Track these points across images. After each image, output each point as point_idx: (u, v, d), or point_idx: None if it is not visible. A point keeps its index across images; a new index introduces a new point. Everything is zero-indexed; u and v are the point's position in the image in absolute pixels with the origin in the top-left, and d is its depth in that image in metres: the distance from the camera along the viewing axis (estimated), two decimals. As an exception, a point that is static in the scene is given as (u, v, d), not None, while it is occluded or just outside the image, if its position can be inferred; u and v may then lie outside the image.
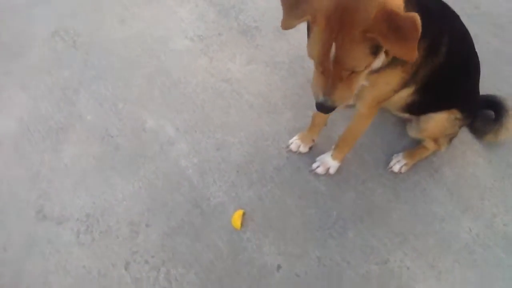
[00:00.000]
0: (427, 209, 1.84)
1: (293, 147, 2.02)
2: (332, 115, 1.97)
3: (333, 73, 1.22)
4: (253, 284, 1.68)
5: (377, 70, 1.37)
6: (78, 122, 2.18)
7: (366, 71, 1.28)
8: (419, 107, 1.71)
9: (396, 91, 1.51)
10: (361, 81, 1.32)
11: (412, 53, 1.10)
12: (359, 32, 1.11)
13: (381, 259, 1.72)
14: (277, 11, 2.56)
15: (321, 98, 1.30)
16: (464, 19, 2.56)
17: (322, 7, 1.14)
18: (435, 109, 1.74)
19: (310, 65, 2.32)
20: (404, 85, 1.49)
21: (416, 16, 1.07)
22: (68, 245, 1.79)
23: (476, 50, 2.38)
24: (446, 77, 1.54)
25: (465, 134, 2.06)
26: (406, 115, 1.86)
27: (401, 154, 1.96)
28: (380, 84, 1.47)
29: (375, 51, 1.16)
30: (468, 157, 2.00)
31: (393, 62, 1.36)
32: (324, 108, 1.32)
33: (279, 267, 1.71)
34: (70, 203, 1.91)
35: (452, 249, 1.74)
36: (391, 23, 1.07)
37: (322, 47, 1.17)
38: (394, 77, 1.43)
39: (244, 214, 1.83)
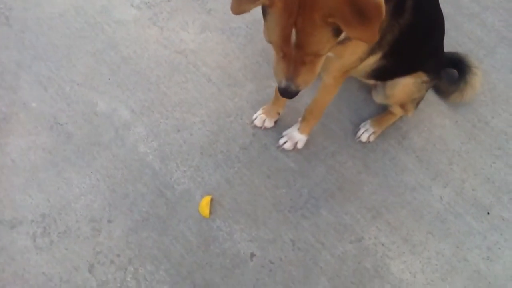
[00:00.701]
0: (397, 179, 1.82)
1: (257, 122, 1.93)
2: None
3: (294, 58, 1.17)
4: (226, 275, 1.63)
5: (342, 42, 1.28)
6: (22, 110, 1.99)
7: (327, 53, 1.23)
8: (386, 72, 1.65)
9: (362, 59, 1.45)
10: (324, 61, 1.27)
11: (373, 36, 1.05)
12: (320, 16, 1.04)
13: (355, 237, 1.70)
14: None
15: (284, 83, 1.25)
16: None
17: None
18: (402, 73, 1.68)
19: (268, 30, 2.19)
20: (371, 52, 1.43)
21: (380, 0, 1.00)
22: (24, 251, 1.66)
23: (437, 3, 2.31)
24: (412, 38, 1.47)
25: (430, 96, 2.01)
26: (372, 81, 1.79)
27: (368, 122, 1.91)
28: (346, 55, 1.40)
29: (337, 33, 1.11)
30: (435, 120, 1.97)
31: None
32: (288, 93, 1.27)
33: (252, 255, 1.67)
34: (22, 204, 1.77)
35: (425, 220, 1.73)
36: (353, 7, 1.00)
37: (281, 31, 1.10)
38: (360, 46, 1.37)
39: (212, 200, 1.75)
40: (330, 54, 1.35)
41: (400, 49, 1.46)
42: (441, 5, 2.29)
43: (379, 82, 1.80)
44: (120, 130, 1.94)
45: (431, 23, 1.59)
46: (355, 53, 1.38)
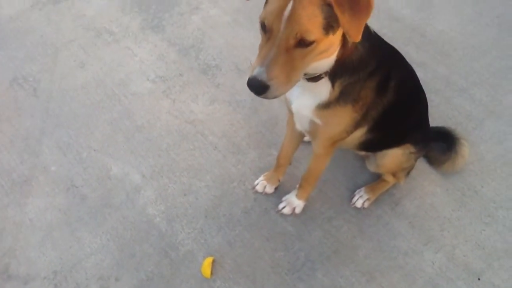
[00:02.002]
0: (391, 244, 1.91)
1: (259, 188, 2.06)
2: (297, 153, 2.02)
3: (279, 40, 1.12)
4: (225, 334, 1.69)
5: (327, 106, 1.41)
6: (42, 173, 2.16)
7: (312, 53, 1.18)
8: (373, 145, 1.76)
9: (348, 132, 1.54)
10: (305, 64, 1.20)
11: (358, 32, 1.12)
12: None
13: (349, 300, 1.77)
14: (233, 48, 2.64)
15: (256, 70, 1.13)
16: (412, 49, 2.70)
17: None
18: (389, 145, 1.80)
19: (270, 102, 2.37)
20: (357, 125, 1.53)
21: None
22: (36, 307, 1.77)
23: (425, 78, 2.50)
24: (396, 114, 1.59)
25: (422, 165, 2.14)
26: (362, 153, 1.93)
27: (363, 189, 2.02)
28: (332, 124, 1.50)
29: (327, 26, 1.13)
30: (426, 188, 2.08)
31: (342, 98, 1.40)
32: (255, 83, 1.13)
33: (250, 315, 1.74)
34: (36, 260, 1.89)
35: (417, 285, 1.80)
36: None
37: (279, 3, 1.12)
38: (345, 116, 1.46)
39: (213, 261, 1.85)
40: (317, 120, 1.47)
41: (385, 124, 1.58)
42: (431, 81, 2.50)
43: (370, 153, 1.94)
44: (131, 194, 2.08)
45: (413, 101, 1.73)
46: (340, 124, 1.48)
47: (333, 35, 1.17)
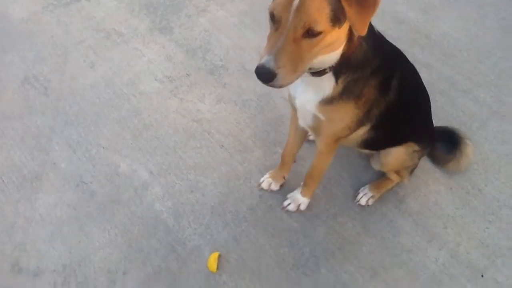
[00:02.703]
0: (394, 241, 1.93)
1: (264, 185, 2.09)
2: (302, 151, 2.05)
3: (288, 29, 1.15)
4: (231, 327, 1.72)
5: (330, 102, 1.44)
6: (52, 170, 2.21)
7: (320, 45, 1.20)
8: (376, 143, 1.79)
9: (351, 129, 1.56)
10: (312, 55, 1.23)
11: (364, 26, 1.16)
12: None
13: (353, 295, 1.79)
14: (240, 49, 2.68)
15: (264, 58, 1.15)
16: (417, 50, 2.73)
17: None
18: (392, 143, 1.83)
19: (276, 101, 2.41)
20: (359, 123, 1.55)
21: None
22: (45, 299, 1.80)
23: (430, 79, 2.53)
24: (399, 113, 1.62)
25: (426, 163, 2.16)
26: (366, 151, 1.95)
27: (367, 187, 2.05)
28: (335, 120, 1.52)
29: (334, 18, 1.16)
30: (430, 186, 2.10)
31: (345, 94, 1.42)
32: (263, 70, 1.15)
33: (255, 308, 1.77)
34: (46, 254, 1.93)
35: (421, 281, 1.82)
36: None
37: None
38: (348, 112, 1.48)
39: (219, 256, 1.88)
40: (320, 115, 1.50)
41: (387, 122, 1.61)
42: (436, 81, 2.52)
43: (374, 151, 1.96)
44: (139, 190, 2.12)
45: (415, 100, 1.75)
46: (343, 120, 1.50)
47: (339, 28, 1.20)
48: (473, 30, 2.88)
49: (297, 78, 1.24)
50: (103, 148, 2.28)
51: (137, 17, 2.89)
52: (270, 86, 1.21)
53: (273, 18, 1.19)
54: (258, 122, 2.36)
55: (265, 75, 1.16)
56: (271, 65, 1.14)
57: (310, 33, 1.16)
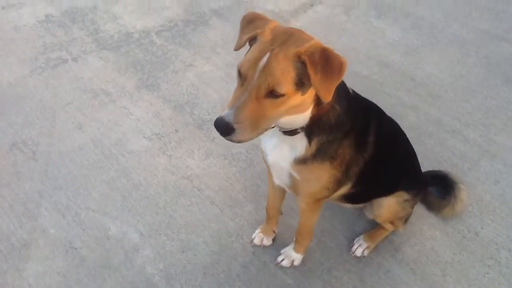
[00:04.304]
0: (393, 293, 1.87)
1: (256, 241, 2.05)
2: (291, 202, 2.02)
3: (252, 87, 1.17)
4: None
5: (304, 162, 1.43)
6: (41, 236, 2.16)
7: (283, 106, 1.21)
8: (361, 197, 1.78)
9: (330, 189, 1.53)
10: (274, 115, 1.22)
11: (328, 93, 1.17)
12: (294, 51, 1.17)
13: None
14: (227, 102, 2.68)
15: (225, 112, 1.16)
16: (403, 93, 2.76)
17: (273, 27, 1.25)
18: (379, 195, 1.80)
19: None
20: (338, 183, 1.53)
21: (345, 61, 1.18)
22: None
23: (418, 122, 2.54)
24: (380, 166, 1.60)
25: (420, 209, 2.13)
26: (351, 205, 1.92)
27: (361, 237, 2.01)
28: (311, 180, 1.50)
29: (298, 83, 1.18)
30: (426, 232, 2.07)
31: (319, 155, 1.41)
32: (221, 123, 1.16)
33: None
34: (34, 328, 1.86)
35: (421, 335, 1.76)
36: (323, 55, 1.16)
37: (257, 53, 1.19)
38: (323, 173, 1.47)
39: (213, 320, 1.82)
40: (295, 174, 1.48)
41: (369, 177, 1.58)
42: (424, 124, 2.53)
43: (361, 204, 1.93)
44: (130, 253, 2.07)
45: (396, 150, 1.73)
46: (319, 180, 1.48)
47: (302, 94, 1.22)
48: (457, 69, 2.92)
49: (257, 135, 1.24)
50: (93, 211, 2.25)
51: (124, 75, 2.93)
52: (228, 140, 1.21)
53: (240, 74, 1.21)
54: (248, 176, 2.35)
55: (223, 127, 1.17)
56: (230, 119, 1.15)
57: (273, 94, 1.17)
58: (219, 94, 2.76)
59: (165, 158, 2.45)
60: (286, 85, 1.17)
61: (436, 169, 2.21)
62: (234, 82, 2.82)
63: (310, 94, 1.25)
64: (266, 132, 1.28)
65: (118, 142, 2.54)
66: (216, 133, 2.53)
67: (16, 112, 2.73)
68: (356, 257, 1.99)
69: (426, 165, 2.27)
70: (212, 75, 2.89)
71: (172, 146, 2.51)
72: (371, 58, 2.99)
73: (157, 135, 2.57)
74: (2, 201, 2.30)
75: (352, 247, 2.01)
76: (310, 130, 1.36)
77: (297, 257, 1.94)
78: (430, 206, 2.12)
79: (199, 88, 2.81)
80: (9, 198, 2.32)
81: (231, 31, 3.29)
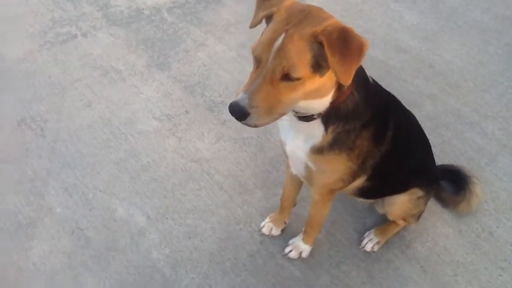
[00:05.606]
0: (402, 291, 1.84)
1: (265, 230, 2.01)
2: (304, 192, 1.97)
3: (266, 70, 1.12)
4: None
5: (321, 151, 1.38)
6: (48, 215, 2.15)
7: (299, 90, 1.15)
8: (374, 192, 1.72)
9: (345, 181, 1.49)
10: (291, 99, 1.17)
11: (348, 76, 1.11)
12: (310, 31, 1.11)
13: None
14: (239, 84, 2.63)
15: (239, 96, 1.12)
16: (421, 81, 2.66)
17: (289, 5, 1.18)
18: (392, 192, 1.75)
19: (277, 139, 2.34)
20: (354, 176, 1.48)
21: (366, 42, 1.10)
22: None
23: (436, 111, 2.46)
24: (396, 161, 1.55)
25: (434, 205, 2.07)
26: (364, 200, 1.87)
27: (372, 232, 1.96)
28: (326, 172, 1.46)
29: (315, 65, 1.12)
30: (439, 229, 2.02)
31: (336, 145, 1.36)
32: (236, 108, 1.12)
33: None
34: (39, 309, 1.86)
35: (429, 335, 1.73)
36: (341, 35, 1.09)
37: (271, 35, 1.13)
38: (340, 165, 1.42)
39: (218, 309, 1.80)
40: (311, 165, 1.44)
41: (384, 172, 1.53)
42: (442, 114, 2.44)
43: (373, 200, 1.88)
44: (136, 236, 2.05)
45: (413, 146, 1.67)
46: (335, 171, 1.44)
47: (320, 76, 1.14)
48: (477, 57, 2.82)
49: (274, 120, 1.19)
50: (100, 191, 2.22)
51: (135, 53, 2.86)
52: (244, 124, 1.16)
53: (255, 54, 1.16)
54: (259, 162, 2.30)
55: (238, 112, 1.13)
56: (245, 103, 1.11)
57: (289, 77, 1.12)
58: (231, 75, 2.69)
59: (175, 140, 2.41)
60: (301, 68, 1.10)
61: (451, 162, 2.14)
62: (246, 63, 2.75)
63: (330, 78, 1.18)
64: (284, 117, 1.23)
65: (128, 121, 2.50)
66: (227, 116, 2.50)
67: (25, 88, 2.69)
68: (365, 252, 1.94)
69: (441, 158, 2.21)
70: (224, 56, 2.81)
71: (182, 128, 2.46)
72: (388, 43, 2.89)
73: (167, 116, 2.52)
74: (10, 178, 2.28)
75: (362, 241, 1.96)
76: (327, 117, 1.30)
77: (305, 249, 1.91)
78: (445, 202, 2.06)
79: (211, 69, 2.74)
80: (17, 175, 2.29)
81: (245, 9, 3.19)
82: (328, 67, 1.13)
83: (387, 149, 1.46)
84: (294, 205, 2.01)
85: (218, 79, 2.68)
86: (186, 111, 2.54)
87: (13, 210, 2.17)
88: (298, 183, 1.85)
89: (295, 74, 1.11)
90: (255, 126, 1.17)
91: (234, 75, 2.69)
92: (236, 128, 2.43)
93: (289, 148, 1.48)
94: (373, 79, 1.40)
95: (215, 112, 2.53)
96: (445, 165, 2.06)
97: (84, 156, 2.36)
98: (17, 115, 2.55)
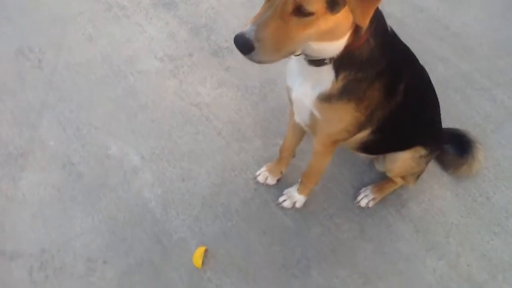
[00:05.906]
0: (392, 247, 1.82)
1: (260, 178, 1.98)
2: (303, 144, 1.92)
3: (277, 1, 1.04)
4: (211, 328, 1.64)
5: (329, 99, 1.32)
6: (40, 148, 2.11)
7: (311, 28, 1.08)
8: (377, 147, 1.66)
9: (350, 132, 1.44)
10: (302, 37, 1.10)
11: (366, 15, 1.03)
12: None
13: (343, 302, 1.69)
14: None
15: (247, 27, 1.05)
16: (435, 42, 2.57)
17: None
18: (395, 148, 1.70)
19: (281, 89, 2.28)
20: (360, 127, 1.43)
21: None
22: (19, 283, 1.72)
23: (446, 74, 2.38)
24: (404, 117, 1.49)
25: (433, 167, 2.03)
26: (365, 155, 1.82)
27: (369, 188, 1.93)
28: (332, 121, 1.40)
29: (331, 2, 1.04)
30: (436, 191, 1.98)
31: (345, 94, 1.30)
32: (241, 40, 1.05)
33: (239, 310, 1.68)
34: (25, 237, 1.84)
35: (416, 292, 1.72)
36: None
37: None
38: (347, 115, 1.36)
39: (206, 251, 1.78)
40: (316, 113, 1.38)
41: (390, 127, 1.47)
42: (452, 77, 2.37)
43: (374, 155, 1.83)
44: (128, 174, 2.02)
45: (423, 103, 1.61)
46: (341, 121, 1.38)
47: (336, 13, 1.05)
48: (495, 22, 2.71)
49: (280, 58, 1.12)
50: (95, 128, 2.17)
51: (141, -10, 2.75)
52: (248, 59, 1.09)
53: None
54: (260, 111, 2.24)
55: (242, 44, 1.05)
56: (251, 35, 1.04)
57: (301, 11, 1.03)
58: (238, 20, 2.60)
59: (176, 82, 2.34)
60: (315, 2, 1.01)
61: (457, 127, 2.08)
62: (255, 9, 2.64)
63: (346, 17, 1.09)
64: (293, 61, 1.15)
65: (128, 59, 2.42)
66: (231, 62, 2.42)
67: (25, 18, 2.59)
68: (360, 207, 1.91)
69: (448, 121, 2.13)
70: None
71: (184, 71, 2.39)
72: (406, 1, 2.77)
73: (169, 57, 2.44)
74: (4, 108, 2.23)
75: (357, 196, 1.93)
76: (340, 63, 1.23)
77: (299, 199, 1.87)
78: (446, 164, 2.02)
79: (218, 12, 2.64)
80: (11, 105, 2.24)
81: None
82: (345, 3, 1.04)
83: (397, 103, 1.40)
84: (293, 156, 1.96)
85: (225, 23, 2.58)
86: (189, 54, 2.46)
87: (4, 140, 2.13)
88: (300, 133, 1.79)
89: (308, 7, 1.02)
90: (259, 62, 1.10)
91: (242, 20, 2.59)
92: (240, 76, 2.36)
93: (295, 95, 1.42)
94: (391, 29, 1.32)
95: (219, 57, 2.45)
96: (450, 128, 2.00)
97: (81, 91, 2.30)
98: (15, 45, 2.47)
